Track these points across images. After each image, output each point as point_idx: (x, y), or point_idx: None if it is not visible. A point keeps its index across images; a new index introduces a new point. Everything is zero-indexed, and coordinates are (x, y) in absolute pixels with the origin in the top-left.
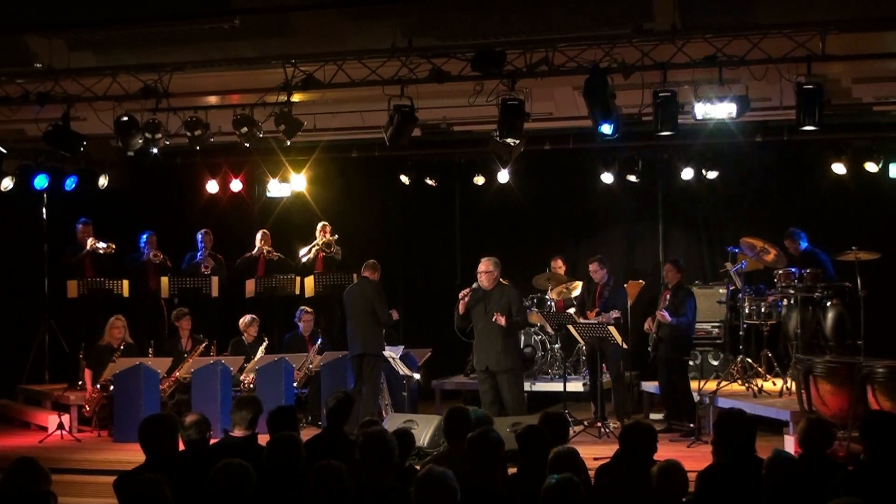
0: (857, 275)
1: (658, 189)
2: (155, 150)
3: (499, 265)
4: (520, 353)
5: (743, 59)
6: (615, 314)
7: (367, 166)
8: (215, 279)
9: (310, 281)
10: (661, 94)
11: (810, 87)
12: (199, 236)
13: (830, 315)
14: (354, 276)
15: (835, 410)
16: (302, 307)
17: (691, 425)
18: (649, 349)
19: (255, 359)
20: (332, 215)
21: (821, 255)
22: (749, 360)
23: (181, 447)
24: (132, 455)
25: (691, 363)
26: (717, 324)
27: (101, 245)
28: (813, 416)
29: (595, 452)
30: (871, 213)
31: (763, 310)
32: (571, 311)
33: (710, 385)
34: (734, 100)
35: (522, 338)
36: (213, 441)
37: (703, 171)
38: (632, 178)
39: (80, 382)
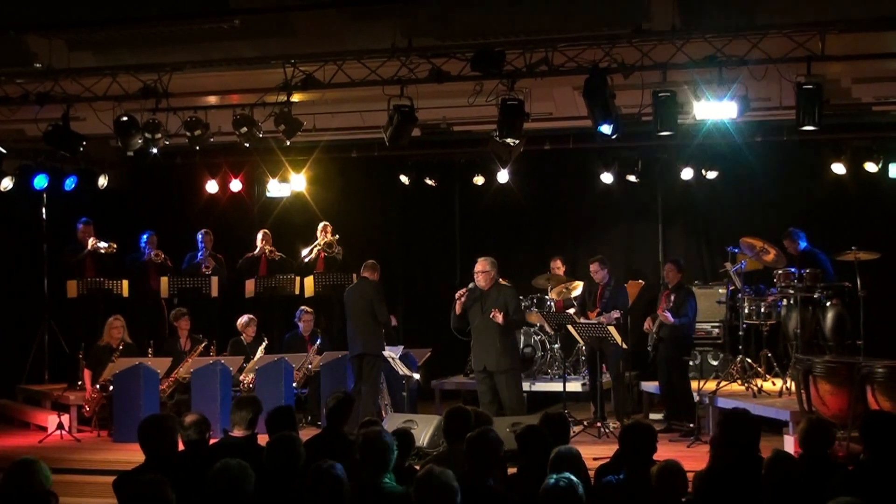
0: (856, 275)
1: (658, 189)
2: (154, 150)
3: (495, 265)
4: (518, 352)
5: (743, 59)
6: (616, 314)
7: (367, 166)
8: (215, 279)
9: (309, 281)
10: (660, 94)
11: (810, 87)
12: (200, 236)
13: (830, 315)
14: (354, 276)
15: (834, 410)
16: (302, 307)
17: (691, 425)
18: (649, 349)
19: (255, 359)
20: (331, 215)
21: (820, 255)
22: (749, 360)
23: (181, 447)
24: (132, 455)
25: (691, 363)
26: (716, 324)
27: (103, 245)
28: (813, 416)
29: (595, 452)
30: (870, 213)
31: (763, 310)
32: (571, 311)
33: (710, 385)
34: (734, 100)
35: (522, 338)
36: (212, 441)
37: (703, 171)
38: (631, 178)
39: (79, 382)
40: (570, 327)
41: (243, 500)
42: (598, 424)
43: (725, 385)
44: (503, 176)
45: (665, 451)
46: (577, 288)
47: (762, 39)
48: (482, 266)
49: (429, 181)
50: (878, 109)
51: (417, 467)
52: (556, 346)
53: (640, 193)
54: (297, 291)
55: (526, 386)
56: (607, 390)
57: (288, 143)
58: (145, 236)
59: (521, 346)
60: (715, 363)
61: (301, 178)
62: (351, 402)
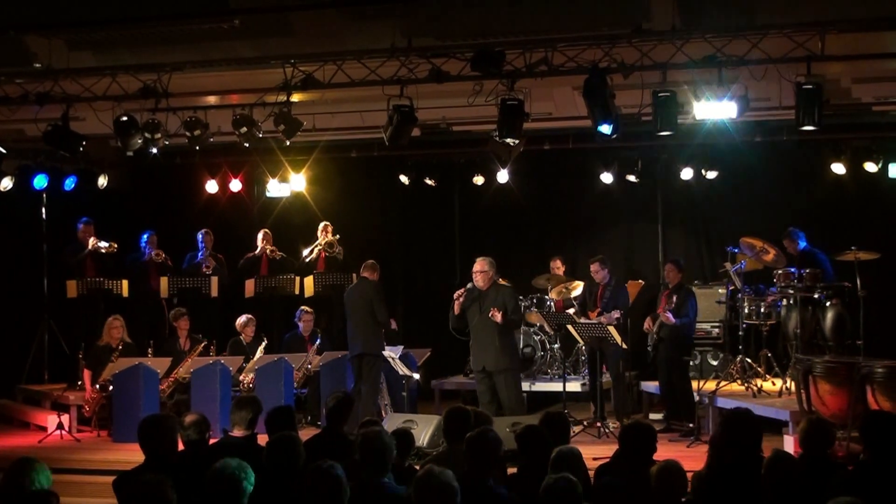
0: (856, 275)
1: (657, 189)
2: (154, 150)
3: (494, 265)
4: (517, 352)
5: (742, 59)
6: (616, 314)
7: (367, 166)
8: (215, 279)
9: (309, 281)
10: (660, 94)
11: (810, 87)
12: (200, 236)
13: (830, 315)
14: (354, 276)
15: (834, 410)
16: (302, 307)
17: (690, 425)
18: (649, 349)
19: (255, 359)
20: (331, 215)
21: (819, 255)
22: (748, 360)
23: (180, 447)
24: (131, 455)
25: (691, 363)
26: (716, 324)
27: (103, 245)
28: (813, 416)
29: (595, 452)
30: (870, 213)
31: (762, 310)
32: (571, 311)
33: (710, 385)
34: (734, 100)
35: (522, 337)
36: (212, 441)
37: (703, 171)
38: (631, 178)
39: (79, 382)
40: (569, 327)
41: (243, 500)
42: (598, 424)
43: (725, 385)
44: (503, 176)
45: (665, 451)
46: (577, 288)
47: (762, 39)
48: (480, 266)
49: (428, 181)
50: (877, 109)
51: (417, 467)
52: (556, 346)
53: (639, 193)
54: (296, 291)
55: (526, 386)
56: (607, 390)
57: (288, 143)
58: (145, 236)
59: (521, 346)
60: (715, 363)
61: (301, 178)
62: (351, 402)
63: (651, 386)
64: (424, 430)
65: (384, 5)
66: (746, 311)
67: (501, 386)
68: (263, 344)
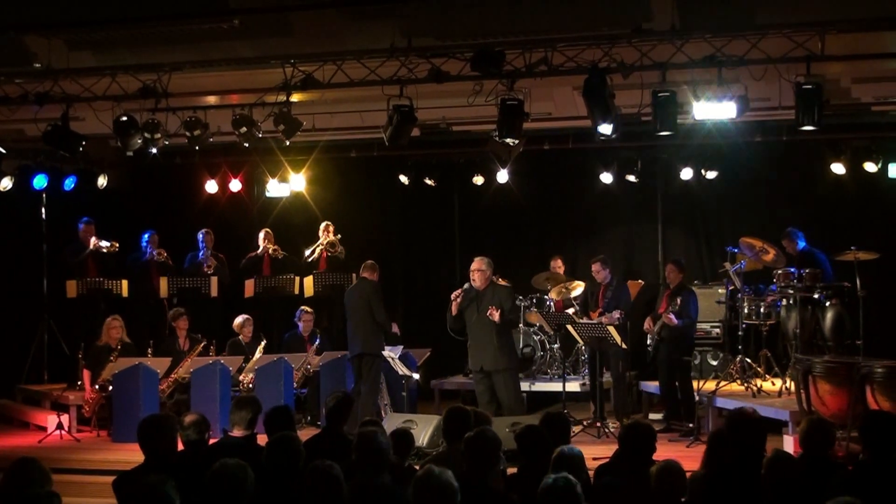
0: (856, 275)
1: (657, 189)
2: (154, 150)
3: (491, 265)
4: (514, 351)
5: (742, 59)
6: (617, 314)
7: (367, 166)
8: (214, 279)
9: (309, 281)
10: (660, 94)
11: (809, 87)
12: (200, 236)
13: (829, 315)
14: (354, 276)
15: (834, 410)
16: (302, 307)
17: (690, 425)
18: (649, 349)
19: (255, 358)
20: (331, 215)
21: (819, 255)
22: (748, 360)
23: (180, 447)
24: (131, 455)
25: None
26: (716, 324)
27: (105, 244)
28: (813, 416)
29: (594, 452)
30: (869, 213)
31: (762, 310)
32: (570, 311)
33: (710, 385)
34: (733, 100)
35: (522, 338)
36: (212, 441)
37: (703, 171)
38: (631, 178)
39: (78, 382)
40: (569, 327)
41: (242, 500)
42: (598, 424)
43: (725, 385)
44: (503, 176)
45: (665, 451)
46: (577, 288)
47: (761, 39)
48: (478, 265)
49: (428, 181)
50: (877, 109)
51: (417, 467)
52: (556, 345)
53: (639, 193)
54: (296, 291)
55: (525, 386)
56: (607, 390)
57: (287, 143)
58: (146, 236)
59: (521, 345)
60: (714, 363)
61: (300, 178)
62: (350, 402)
63: (651, 386)
64: (424, 430)
65: (384, 5)
66: (746, 311)
67: (500, 386)
68: (263, 344)
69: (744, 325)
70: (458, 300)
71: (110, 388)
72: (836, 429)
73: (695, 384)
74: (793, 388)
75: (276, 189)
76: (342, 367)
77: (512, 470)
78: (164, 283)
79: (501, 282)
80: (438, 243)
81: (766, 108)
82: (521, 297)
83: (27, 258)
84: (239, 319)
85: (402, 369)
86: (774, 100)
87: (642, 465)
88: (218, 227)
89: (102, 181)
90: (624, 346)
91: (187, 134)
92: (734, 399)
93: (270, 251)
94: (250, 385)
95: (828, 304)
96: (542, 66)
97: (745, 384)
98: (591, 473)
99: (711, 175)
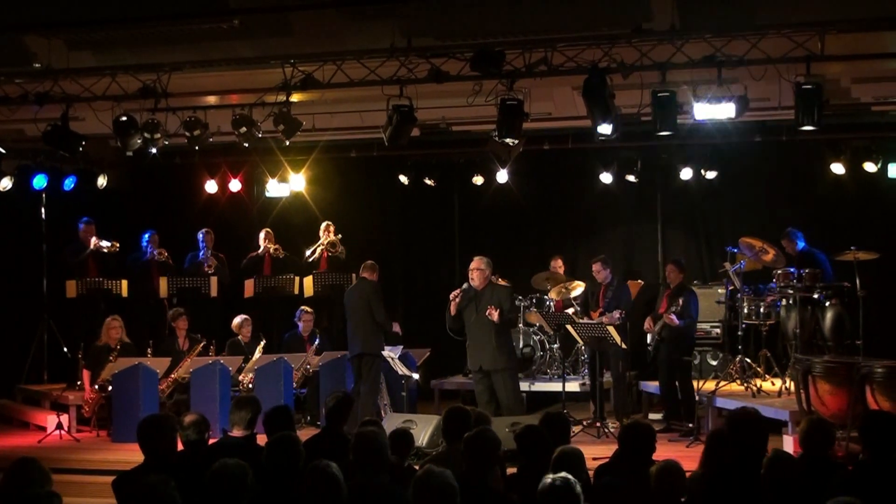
0: (855, 275)
1: (657, 189)
2: (154, 150)
3: (490, 265)
4: (513, 351)
5: (742, 59)
6: (617, 314)
7: (366, 166)
8: (214, 279)
9: (309, 281)
10: (660, 95)
11: (809, 87)
12: (200, 235)
13: (829, 315)
14: (354, 276)
15: (834, 410)
16: (302, 307)
17: (690, 425)
18: (649, 349)
19: (254, 358)
20: (331, 215)
21: (818, 255)
22: (748, 360)
23: (180, 447)
24: (131, 455)
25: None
26: (715, 324)
27: (105, 244)
28: (813, 416)
29: (594, 452)
30: (869, 213)
31: (762, 310)
32: (570, 311)
33: (709, 385)
34: (733, 100)
35: (521, 337)
36: (211, 441)
37: (702, 172)
38: (631, 178)
39: (78, 382)
40: (569, 327)
41: (242, 500)
42: (598, 424)
43: (725, 385)
44: (502, 176)
45: (664, 451)
46: (577, 288)
47: (761, 39)
48: (477, 264)
49: (428, 181)
50: (877, 109)
51: (417, 467)
52: (556, 346)
53: (639, 193)
54: (296, 291)
55: (525, 386)
56: (606, 390)
57: (287, 142)
58: (147, 236)
59: (521, 345)
60: (714, 363)
61: (300, 178)
62: (350, 402)
63: (651, 386)
64: (424, 430)
65: (384, 5)
66: (746, 311)
67: (499, 385)
68: (262, 344)
69: (743, 325)
70: (457, 300)
71: (110, 388)
72: (836, 429)
73: (695, 384)
74: (792, 388)
75: (275, 189)
76: (342, 368)
77: (512, 470)
78: (163, 283)
79: (501, 282)
80: (438, 243)
81: (766, 108)
82: (520, 297)
83: (27, 258)
84: (237, 320)
85: (401, 369)
86: (774, 100)
87: (642, 465)
88: (218, 227)
89: (102, 181)
90: (624, 346)
91: (187, 134)
92: (734, 399)
93: (271, 251)
94: (250, 385)
95: (827, 304)
96: (541, 66)
97: (745, 384)
98: (590, 473)
99: (711, 175)
